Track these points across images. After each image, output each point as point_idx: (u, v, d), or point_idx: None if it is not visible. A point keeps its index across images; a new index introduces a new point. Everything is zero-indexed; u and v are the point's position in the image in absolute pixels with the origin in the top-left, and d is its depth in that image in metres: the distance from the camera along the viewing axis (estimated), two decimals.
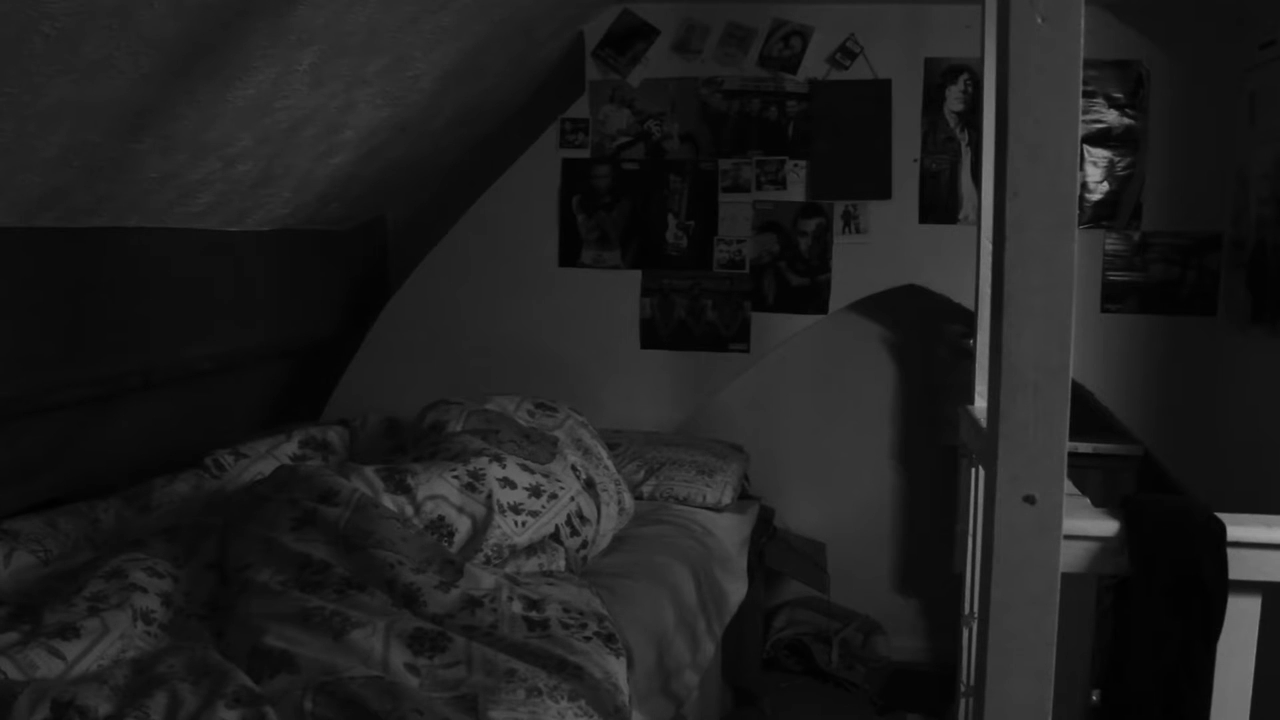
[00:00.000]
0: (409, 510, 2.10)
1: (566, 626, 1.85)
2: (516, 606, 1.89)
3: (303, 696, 1.54)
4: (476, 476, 2.20)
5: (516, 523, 2.18)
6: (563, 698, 1.60)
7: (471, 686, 1.61)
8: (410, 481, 2.13)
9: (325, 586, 1.85)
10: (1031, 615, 1.14)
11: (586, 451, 2.63)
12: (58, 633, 1.71)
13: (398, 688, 1.56)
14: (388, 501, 2.09)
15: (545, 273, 3.59)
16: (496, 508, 2.16)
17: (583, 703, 1.61)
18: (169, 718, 1.50)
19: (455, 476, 2.19)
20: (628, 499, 2.70)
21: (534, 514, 2.22)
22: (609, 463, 2.72)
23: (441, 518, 2.12)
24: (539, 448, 2.43)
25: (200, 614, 1.93)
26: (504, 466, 2.26)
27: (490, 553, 2.13)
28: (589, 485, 2.44)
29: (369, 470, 2.16)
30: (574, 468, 2.43)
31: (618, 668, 1.77)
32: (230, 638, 1.79)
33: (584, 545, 2.35)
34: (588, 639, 1.82)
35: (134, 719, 1.48)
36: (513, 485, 2.24)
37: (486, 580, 1.96)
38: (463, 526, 2.13)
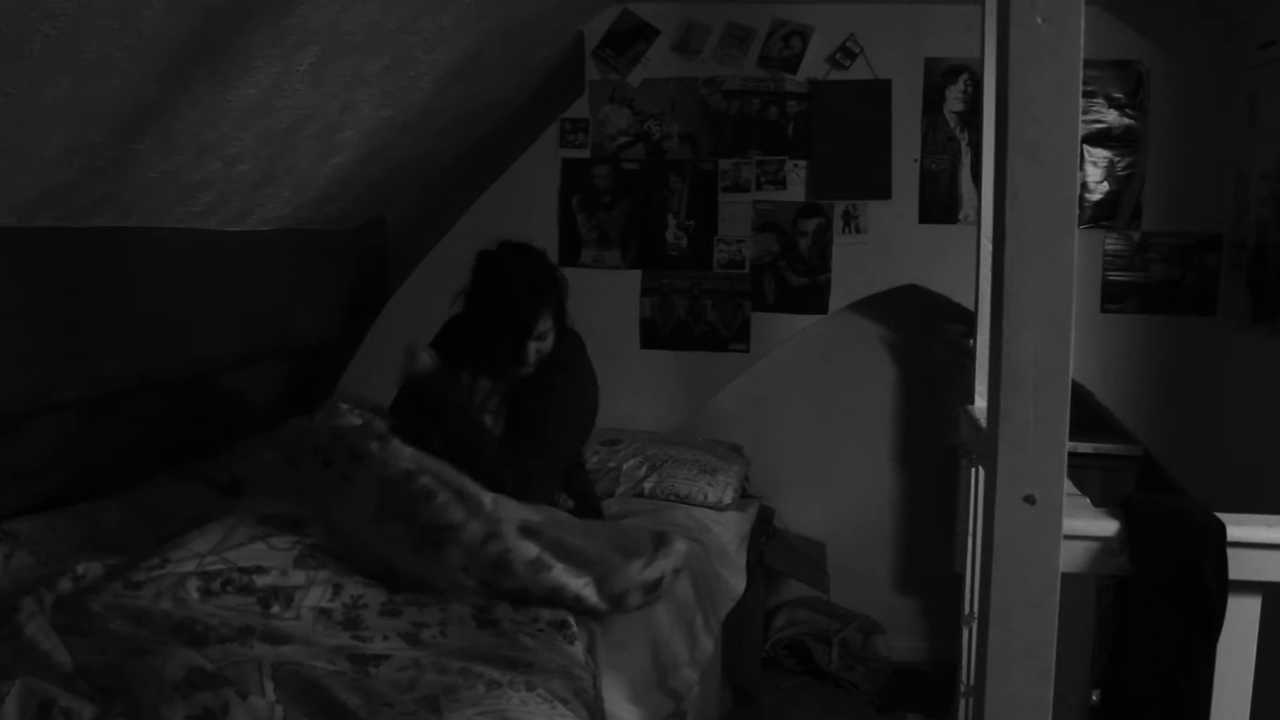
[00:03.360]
0: None
1: (516, 623, 1.88)
2: (466, 610, 1.92)
3: (261, 678, 1.53)
4: None
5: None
6: (521, 687, 1.62)
7: (428, 687, 1.61)
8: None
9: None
10: (1031, 615, 1.14)
11: None
12: None
13: (363, 683, 1.56)
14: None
15: None
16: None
17: (541, 690, 1.63)
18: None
19: None
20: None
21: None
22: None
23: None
24: None
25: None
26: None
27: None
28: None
29: None
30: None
31: (574, 653, 1.80)
32: None
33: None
34: (539, 632, 1.85)
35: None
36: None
37: (457, 558, 1.97)
38: None
